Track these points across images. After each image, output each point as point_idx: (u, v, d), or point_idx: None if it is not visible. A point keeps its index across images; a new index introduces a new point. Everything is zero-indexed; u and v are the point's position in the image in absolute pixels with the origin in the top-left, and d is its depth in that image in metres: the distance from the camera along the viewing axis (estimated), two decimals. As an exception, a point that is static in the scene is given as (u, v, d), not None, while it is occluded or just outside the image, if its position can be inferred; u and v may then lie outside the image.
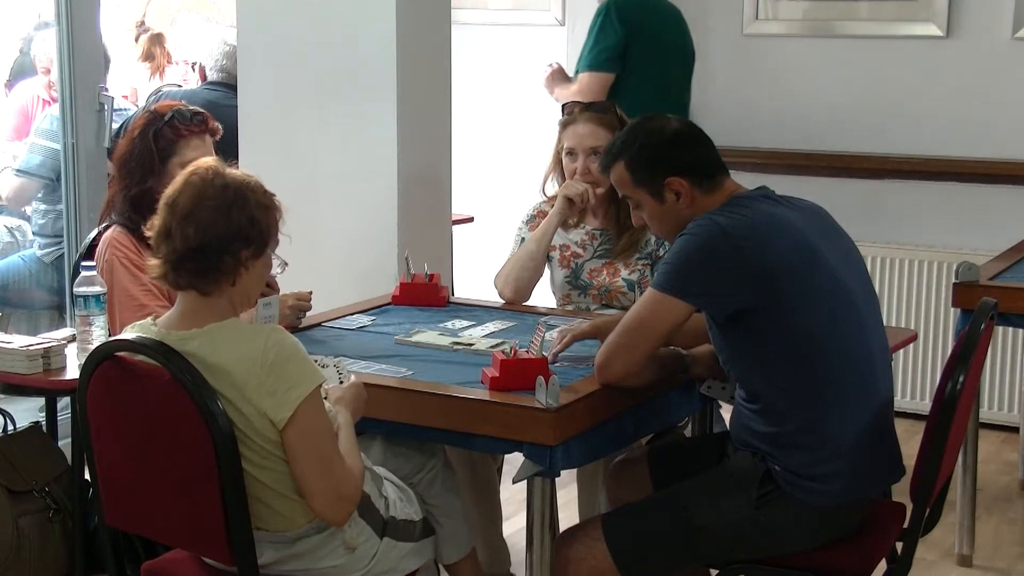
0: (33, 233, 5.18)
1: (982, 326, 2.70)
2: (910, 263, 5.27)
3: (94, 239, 3.38)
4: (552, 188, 3.79)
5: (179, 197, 2.47)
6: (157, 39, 6.09)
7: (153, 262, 2.51)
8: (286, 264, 2.81)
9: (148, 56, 6.01)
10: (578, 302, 3.74)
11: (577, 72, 4.81)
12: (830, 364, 2.64)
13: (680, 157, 2.78)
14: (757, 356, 2.68)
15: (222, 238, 2.45)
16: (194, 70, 5.36)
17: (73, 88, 4.54)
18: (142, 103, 5.47)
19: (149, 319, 2.55)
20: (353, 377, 2.73)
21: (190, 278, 2.46)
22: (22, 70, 5.62)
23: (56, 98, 4.79)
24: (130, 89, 5.94)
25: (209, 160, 2.57)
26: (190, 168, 2.54)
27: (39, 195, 5.11)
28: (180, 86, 5.63)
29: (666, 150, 2.80)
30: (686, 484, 2.77)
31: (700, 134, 2.86)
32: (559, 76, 4.92)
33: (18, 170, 5.09)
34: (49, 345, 3.11)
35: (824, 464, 2.64)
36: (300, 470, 2.43)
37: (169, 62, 6.06)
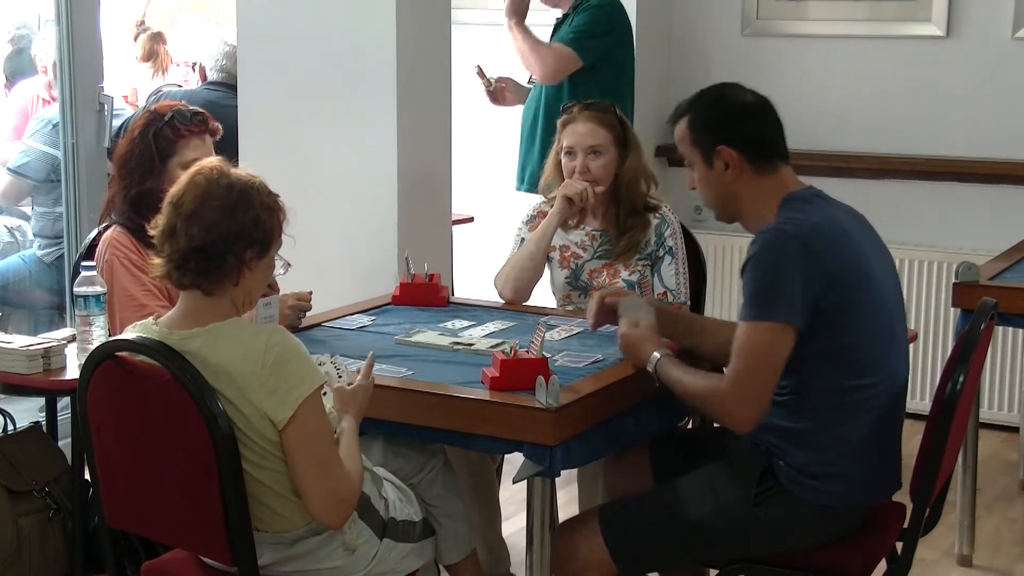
0: (33, 233, 5.18)
1: (982, 326, 2.70)
2: (910, 263, 5.27)
3: (94, 239, 3.38)
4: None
5: (184, 196, 2.47)
6: (158, 38, 6.08)
7: (156, 261, 2.51)
8: (289, 265, 2.81)
9: (150, 55, 6.00)
10: (578, 303, 3.73)
11: (557, 40, 4.69)
12: (862, 372, 2.64)
13: (740, 129, 2.76)
14: (796, 357, 2.63)
15: (226, 238, 2.45)
16: (195, 71, 5.36)
17: (73, 88, 4.54)
18: (142, 103, 5.46)
19: (151, 319, 2.55)
20: (359, 380, 2.71)
21: (193, 277, 2.46)
22: (18, 70, 5.62)
23: (56, 98, 4.79)
24: (130, 89, 5.93)
25: (213, 160, 2.57)
26: (194, 167, 2.54)
27: (35, 196, 5.11)
28: (180, 86, 5.62)
29: (729, 119, 2.78)
30: (684, 479, 2.76)
31: (770, 114, 2.81)
32: (523, 5, 4.76)
33: (9, 169, 5.10)
34: (49, 345, 3.11)
35: (830, 465, 2.64)
36: (297, 471, 2.43)
37: (171, 61, 6.04)
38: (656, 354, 2.78)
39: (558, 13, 4.84)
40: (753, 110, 2.80)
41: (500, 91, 4.95)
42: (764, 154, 2.76)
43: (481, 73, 4.90)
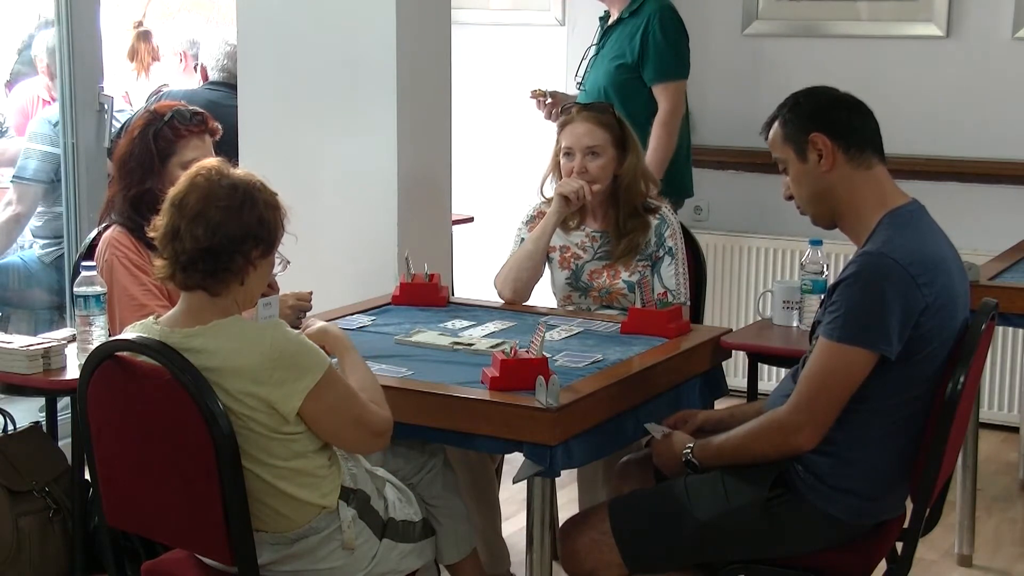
0: (33, 233, 5.18)
1: (982, 326, 2.70)
2: (910, 263, 5.26)
3: (94, 239, 3.38)
4: (550, 189, 3.78)
5: (186, 197, 2.47)
6: (143, 36, 6.01)
7: (159, 263, 2.51)
8: (288, 262, 2.81)
9: (132, 54, 5.94)
10: (579, 303, 3.74)
11: (656, 77, 4.66)
12: (919, 399, 2.64)
13: (831, 117, 2.72)
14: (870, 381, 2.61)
15: (233, 239, 2.45)
16: (196, 68, 5.34)
17: (73, 88, 4.54)
18: (137, 104, 5.43)
19: (151, 318, 2.55)
20: (315, 329, 2.78)
21: (200, 279, 2.46)
22: (18, 70, 5.61)
23: (55, 98, 4.78)
24: (123, 92, 5.88)
25: (213, 160, 2.57)
26: (193, 168, 2.54)
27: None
28: (167, 86, 5.54)
29: (820, 109, 2.75)
30: (694, 478, 2.75)
31: (861, 106, 2.78)
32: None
33: (15, 177, 5.06)
34: (49, 345, 3.11)
35: (849, 479, 2.64)
36: (334, 438, 2.53)
37: (156, 59, 5.93)
38: (688, 446, 2.76)
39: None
40: (844, 101, 2.77)
41: (552, 106, 4.81)
42: (857, 143, 2.72)
43: (541, 95, 4.77)
